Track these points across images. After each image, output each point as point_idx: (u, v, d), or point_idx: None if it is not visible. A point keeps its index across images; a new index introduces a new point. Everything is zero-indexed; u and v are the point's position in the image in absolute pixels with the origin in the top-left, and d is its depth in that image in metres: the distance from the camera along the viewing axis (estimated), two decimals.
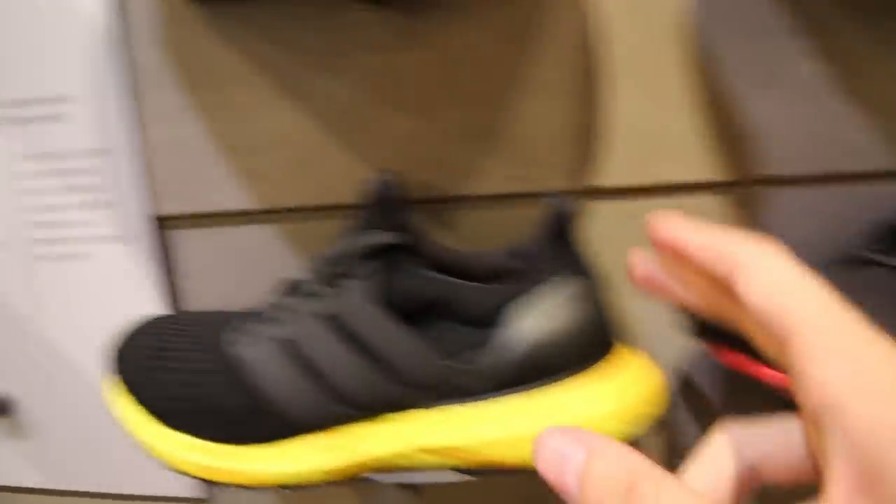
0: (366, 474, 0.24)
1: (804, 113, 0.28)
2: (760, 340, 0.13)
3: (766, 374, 0.23)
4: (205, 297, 0.34)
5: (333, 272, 0.23)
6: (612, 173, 0.29)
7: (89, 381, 0.36)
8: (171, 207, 0.33)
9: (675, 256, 0.15)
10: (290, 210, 0.32)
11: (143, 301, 0.34)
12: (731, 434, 0.14)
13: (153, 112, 0.32)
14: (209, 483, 0.24)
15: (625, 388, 0.23)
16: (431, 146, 0.30)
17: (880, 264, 0.25)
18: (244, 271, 0.33)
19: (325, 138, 0.30)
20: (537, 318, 0.23)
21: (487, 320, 0.23)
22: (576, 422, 0.22)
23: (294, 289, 0.25)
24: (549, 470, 0.14)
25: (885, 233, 0.27)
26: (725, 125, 0.28)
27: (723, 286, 0.14)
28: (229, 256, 0.33)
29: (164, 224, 0.33)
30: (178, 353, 0.25)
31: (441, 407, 0.23)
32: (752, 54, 0.27)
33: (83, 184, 0.33)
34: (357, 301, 0.23)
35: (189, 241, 0.33)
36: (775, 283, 0.13)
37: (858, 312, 0.12)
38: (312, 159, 0.31)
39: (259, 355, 0.24)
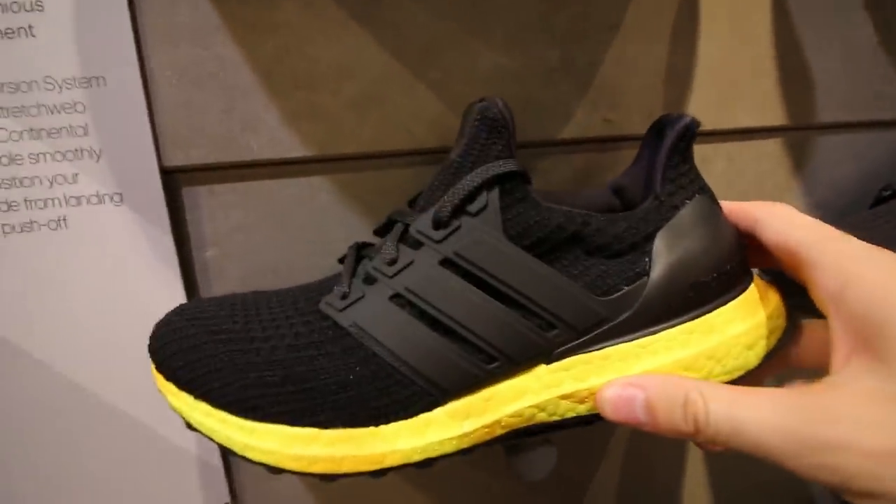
0: (499, 435, 0.22)
1: (852, 69, 0.30)
2: (783, 265, 0.20)
3: None
4: (234, 271, 0.28)
5: (447, 210, 0.20)
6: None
7: (74, 395, 0.28)
8: (186, 157, 0.26)
9: None
10: (347, 158, 0.27)
11: (150, 282, 0.27)
12: None
13: (164, 27, 0.25)
14: (326, 478, 0.20)
15: (767, 305, 0.23)
16: (520, 86, 0.27)
17: None
18: (287, 237, 0.28)
19: (394, 73, 0.26)
20: (681, 241, 0.22)
21: (624, 250, 0.21)
22: (726, 344, 0.21)
23: (394, 240, 0.21)
24: (621, 413, 0.19)
25: None
26: (790, 73, 0.30)
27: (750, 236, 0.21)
28: (267, 219, 0.28)
29: (177, 179, 0.27)
30: (268, 331, 0.20)
31: (592, 349, 0.21)
32: (819, 15, 0.29)
33: (59, 125, 0.25)
34: (485, 238, 0.20)
35: (211, 200, 0.27)
36: (782, 226, 0.20)
37: (846, 234, 0.19)
38: (378, 97, 0.26)
39: (377, 316, 0.20)
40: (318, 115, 0.27)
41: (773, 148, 0.32)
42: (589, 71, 0.28)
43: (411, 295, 0.20)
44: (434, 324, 0.20)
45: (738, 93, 0.30)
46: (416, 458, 0.21)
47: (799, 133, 0.32)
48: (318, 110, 0.27)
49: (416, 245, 0.21)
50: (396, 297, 0.20)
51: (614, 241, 0.21)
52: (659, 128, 0.23)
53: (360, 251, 0.23)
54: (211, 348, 0.20)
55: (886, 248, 0.26)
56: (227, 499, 0.31)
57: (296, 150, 0.27)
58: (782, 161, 0.32)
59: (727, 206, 0.22)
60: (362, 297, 0.21)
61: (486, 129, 0.21)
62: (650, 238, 0.21)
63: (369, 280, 0.21)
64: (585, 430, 0.22)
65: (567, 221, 0.21)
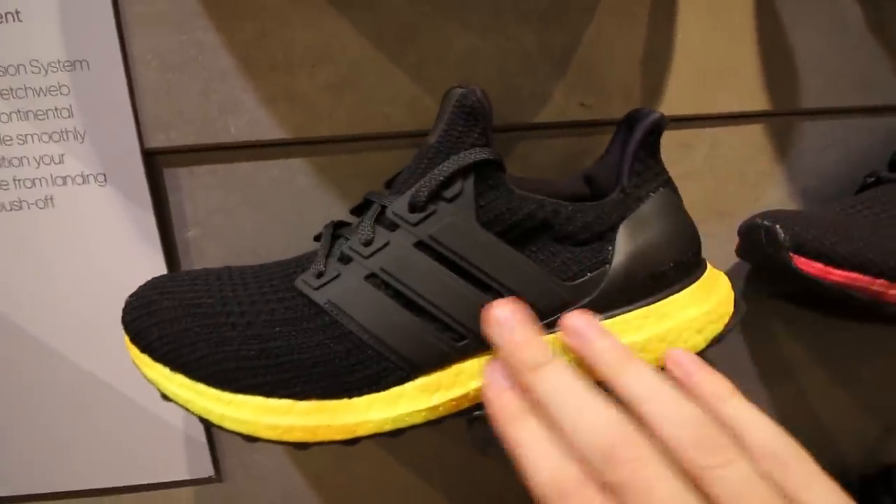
0: (465, 407, 0.23)
1: (839, 51, 0.30)
2: None
3: (838, 275, 0.25)
4: (214, 251, 0.29)
5: (423, 195, 0.21)
6: (673, 103, 0.30)
7: (60, 368, 0.29)
8: (167, 139, 0.27)
9: None
10: (324, 141, 0.28)
11: (133, 260, 0.28)
12: None
13: (145, 13, 0.25)
14: (299, 447, 0.21)
15: (717, 293, 0.24)
16: (496, 69, 0.27)
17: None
18: (266, 218, 0.29)
19: (371, 55, 0.27)
20: (643, 232, 0.23)
21: (590, 239, 0.22)
22: (678, 329, 0.23)
23: (370, 221, 0.22)
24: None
25: None
26: (774, 58, 0.30)
27: None
28: (246, 200, 0.28)
29: (159, 160, 0.28)
30: (243, 306, 0.21)
31: (555, 330, 0.22)
32: None
33: (45, 107, 0.26)
34: (459, 223, 0.21)
35: (192, 181, 0.28)
36: None
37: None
38: (354, 80, 0.27)
39: (352, 294, 0.21)
40: (294, 98, 0.27)
41: (756, 134, 0.31)
42: (566, 54, 0.28)
43: (386, 275, 0.21)
44: (407, 303, 0.21)
45: (720, 77, 0.30)
46: (388, 427, 0.22)
47: (783, 118, 0.31)
48: (295, 93, 0.27)
49: (393, 227, 0.22)
50: (371, 277, 0.21)
51: (581, 229, 0.22)
52: (629, 121, 0.24)
53: (336, 230, 0.24)
54: (187, 322, 0.21)
55: (866, 234, 0.26)
56: (211, 472, 0.32)
57: (273, 132, 0.27)
58: (765, 147, 0.32)
59: None
60: (338, 275, 0.22)
61: (464, 116, 0.21)
62: (614, 228, 0.23)
63: (345, 259, 0.22)
64: None
65: (538, 209, 0.22)
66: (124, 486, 0.32)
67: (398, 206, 0.22)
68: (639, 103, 0.29)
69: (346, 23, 0.27)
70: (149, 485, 0.32)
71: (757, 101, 0.31)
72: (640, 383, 0.17)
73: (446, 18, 0.27)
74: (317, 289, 0.22)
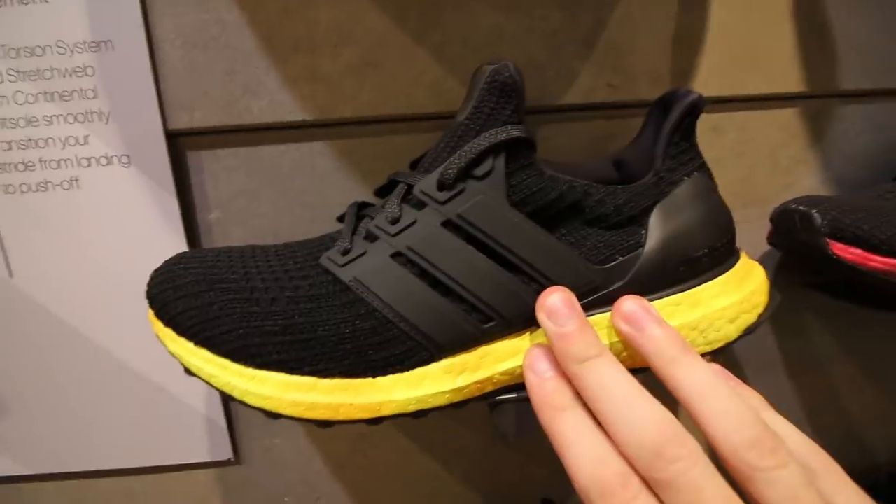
0: (489, 391, 0.22)
1: (878, 33, 0.29)
2: None
3: (878, 262, 0.24)
4: (237, 233, 0.29)
5: (452, 172, 0.21)
6: (703, 84, 0.29)
7: (84, 348, 0.29)
8: (190, 120, 0.27)
9: None
10: (346, 123, 0.28)
11: (156, 241, 0.28)
12: None
13: None
14: (322, 424, 0.21)
15: (751, 282, 0.23)
16: (521, 48, 0.27)
17: None
18: (288, 201, 0.28)
19: (394, 35, 0.26)
20: (676, 217, 0.22)
21: (622, 222, 0.22)
22: (710, 318, 0.22)
23: (397, 199, 0.21)
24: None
25: None
26: (809, 38, 0.29)
27: None
28: (269, 182, 0.28)
29: (182, 142, 0.27)
30: (267, 283, 0.21)
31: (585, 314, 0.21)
32: None
33: (70, 88, 0.26)
34: (489, 202, 0.21)
35: (215, 164, 0.28)
36: None
37: None
38: (378, 61, 0.27)
39: (378, 272, 0.21)
40: (317, 79, 0.27)
41: (788, 117, 0.31)
42: (593, 32, 0.28)
43: (413, 254, 0.21)
44: (434, 283, 0.21)
45: (753, 57, 0.29)
46: (411, 408, 0.21)
47: (818, 101, 0.30)
48: (318, 74, 0.27)
49: (420, 205, 0.21)
50: (398, 256, 0.21)
51: (613, 212, 0.22)
52: (665, 103, 0.23)
53: (361, 210, 0.24)
54: (211, 297, 0.21)
55: None
56: (230, 455, 0.32)
57: (296, 113, 0.27)
58: (798, 132, 0.31)
59: None
60: (364, 253, 0.21)
61: (497, 92, 0.21)
62: (647, 212, 0.22)
63: (371, 237, 0.22)
64: None
65: (569, 191, 0.21)
66: (145, 467, 0.32)
67: (426, 184, 0.21)
68: (667, 84, 0.29)
69: (369, 2, 0.26)
70: (169, 466, 0.32)
71: (790, 82, 0.30)
72: (695, 378, 0.17)
73: None
74: (342, 266, 0.21)
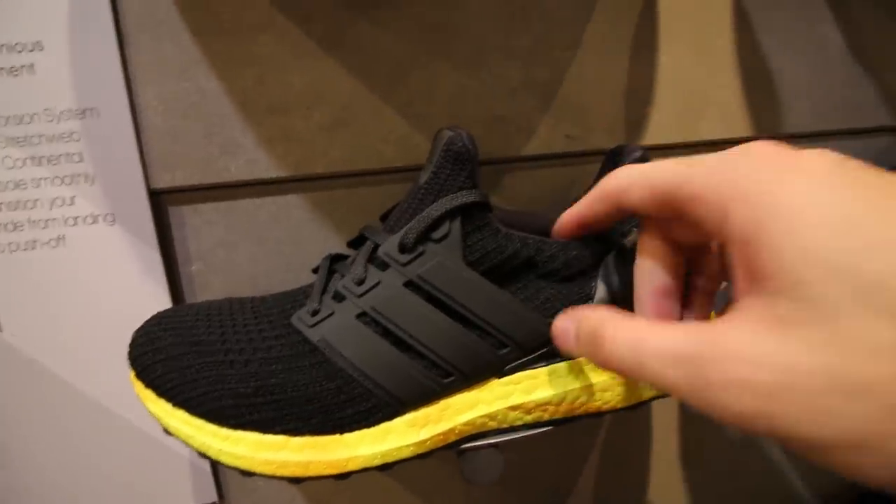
0: (452, 441, 0.23)
1: (821, 75, 0.31)
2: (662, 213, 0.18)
3: None
4: (217, 284, 0.30)
5: (412, 236, 0.22)
6: (656, 132, 0.30)
7: (72, 397, 0.30)
8: (172, 179, 0.28)
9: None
10: (320, 178, 0.29)
11: (140, 294, 0.29)
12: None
13: (150, 63, 0.27)
14: (293, 481, 0.22)
15: None
16: (483, 105, 0.29)
17: None
18: (265, 251, 0.30)
19: (362, 96, 0.28)
20: (625, 267, 0.23)
21: (573, 275, 0.23)
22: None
23: (363, 259, 0.23)
24: (561, 342, 0.20)
25: None
26: (756, 85, 0.30)
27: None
28: (247, 235, 0.30)
29: (164, 199, 0.29)
30: (242, 343, 0.22)
31: (539, 365, 0.23)
32: (781, 20, 0.30)
33: (57, 152, 0.28)
34: (447, 263, 0.22)
35: (196, 218, 0.30)
36: (646, 177, 0.18)
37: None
38: (348, 119, 0.28)
39: (344, 332, 0.22)
40: (291, 138, 0.29)
41: None
42: (550, 88, 0.29)
43: (376, 314, 0.22)
44: (396, 341, 0.22)
45: (703, 105, 0.31)
46: (377, 462, 0.22)
47: None
48: (292, 133, 0.29)
49: (383, 266, 0.23)
50: (363, 316, 0.22)
51: (563, 266, 0.23)
52: (614, 156, 0.24)
53: (333, 264, 0.25)
54: (189, 359, 0.23)
55: None
56: (215, 497, 0.33)
57: (271, 171, 0.29)
58: None
59: (581, 210, 0.21)
60: (332, 314, 0.23)
61: (452, 160, 0.22)
62: (597, 264, 0.23)
63: (338, 297, 0.23)
64: (562, 433, 0.23)
65: (522, 248, 0.23)
66: None
67: (389, 246, 0.23)
68: (622, 134, 0.30)
69: (338, 66, 0.28)
70: None
71: (740, 127, 0.31)
72: None
73: (433, 58, 0.29)
74: (311, 326, 0.23)
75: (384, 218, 0.26)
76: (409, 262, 0.22)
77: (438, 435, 0.23)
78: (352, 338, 0.22)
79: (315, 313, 0.23)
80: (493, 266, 0.22)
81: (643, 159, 0.24)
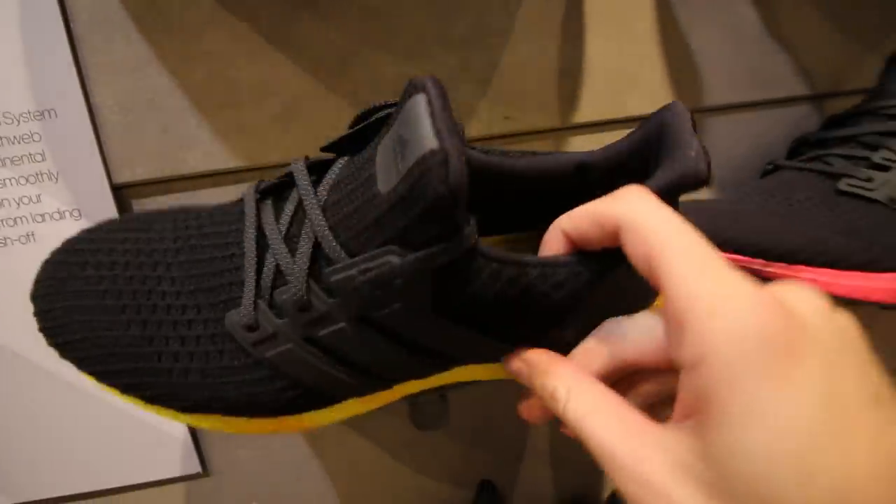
0: (398, 398, 0.25)
1: (738, 50, 0.33)
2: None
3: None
4: None
5: (366, 282, 0.18)
6: (587, 110, 0.33)
7: (52, 380, 0.32)
8: (132, 174, 0.30)
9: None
10: (275, 167, 0.31)
11: None
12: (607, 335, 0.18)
13: (104, 63, 0.28)
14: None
15: None
16: None
17: (793, 168, 0.32)
18: None
19: (310, 87, 0.30)
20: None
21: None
22: None
23: (303, 270, 0.19)
24: (518, 378, 0.20)
25: (797, 145, 0.34)
26: (676, 61, 0.33)
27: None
28: None
29: (127, 193, 0.31)
30: (173, 345, 0.21)
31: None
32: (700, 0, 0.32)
33: (20, 153, 0.29)
34: (411, 309, 0.19)
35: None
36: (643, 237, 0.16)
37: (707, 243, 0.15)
38: (298, 110, 0.30)
39: (292, 358, 0.20)
40: (244, 130, 0.31)
41: None
42: (487, 73, 0.32)
43: (328, 342, 0.20)
44: (350, 365, 0.21)
45: (629, 82, 0.33)
46: (328, 422, 0.24)
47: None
48: (245, 125, 0.30)
49: (331, 294, 0.19)
50: (311, 341, 0.20)
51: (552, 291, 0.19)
52: (662, 115, 0.20)
53: (260, 238, 0.20)
54: (120, 363, 0.21)
55: (751, 217, 0.29)
56: (199, 468, 0.36)
57: (228, 162, 0.31)
58: None
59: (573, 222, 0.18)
60: (273, 335, 0.20)
61: (431, 197, 0.17)
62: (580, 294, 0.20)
63: (278, 313, 0.20)
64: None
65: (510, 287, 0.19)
66: (121, 487, 0.35)
67: (339, 275, 0.18)
68: (556, 113, 0.33)
69: (285, 58, 0.30)
70: (143, 483, 0.36)
71: (664, 101, 0.34)
72: None
73: (374, 48, 0.30)
74: (253, 345, 0.20)
75: (326, 149, 0.22)
76: (365, 305, 0.18)
77: (386, 402, 0.24)
78: (302, 364, 0.20)
79: (251, 329, 0.20)
80: (460, 314, 0.19)
81: (703, 182, 0.17)
